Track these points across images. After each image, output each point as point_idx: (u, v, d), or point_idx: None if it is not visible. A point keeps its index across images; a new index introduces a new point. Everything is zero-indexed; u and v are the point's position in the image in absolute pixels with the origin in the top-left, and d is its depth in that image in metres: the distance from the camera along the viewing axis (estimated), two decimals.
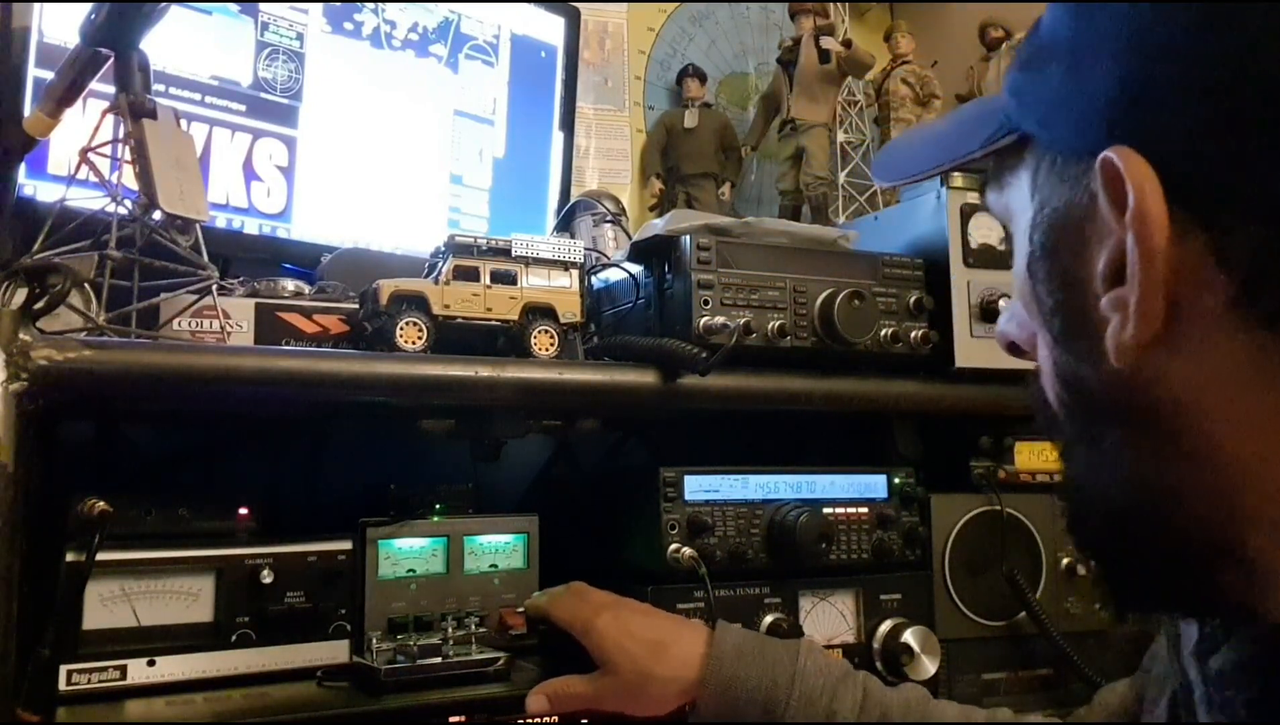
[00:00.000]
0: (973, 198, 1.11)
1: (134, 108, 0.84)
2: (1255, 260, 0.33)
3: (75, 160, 0.87)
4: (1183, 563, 0.40)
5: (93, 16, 0.84)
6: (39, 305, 0.73)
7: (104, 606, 0.83)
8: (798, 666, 0.82)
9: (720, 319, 0.98)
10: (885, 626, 1.05)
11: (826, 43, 1.67)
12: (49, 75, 0.91)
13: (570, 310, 0.98)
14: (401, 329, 0.89)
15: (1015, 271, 0.47)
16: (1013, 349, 0.50)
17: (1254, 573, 0.36)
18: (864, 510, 1.08)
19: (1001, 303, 1.09)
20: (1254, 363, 0.34)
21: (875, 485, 1.10)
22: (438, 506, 1.01)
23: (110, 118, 0.86)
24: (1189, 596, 0.41)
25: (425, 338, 0.90)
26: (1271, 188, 0.33)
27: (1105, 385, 0.40)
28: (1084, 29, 0.40)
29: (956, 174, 1.11)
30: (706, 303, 0.99)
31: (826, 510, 1.04)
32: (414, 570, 0.98)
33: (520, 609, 1.01)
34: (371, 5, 1.27)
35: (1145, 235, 0.36)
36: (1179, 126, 0.35)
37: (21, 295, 0.74)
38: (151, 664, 0.84)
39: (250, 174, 1.17)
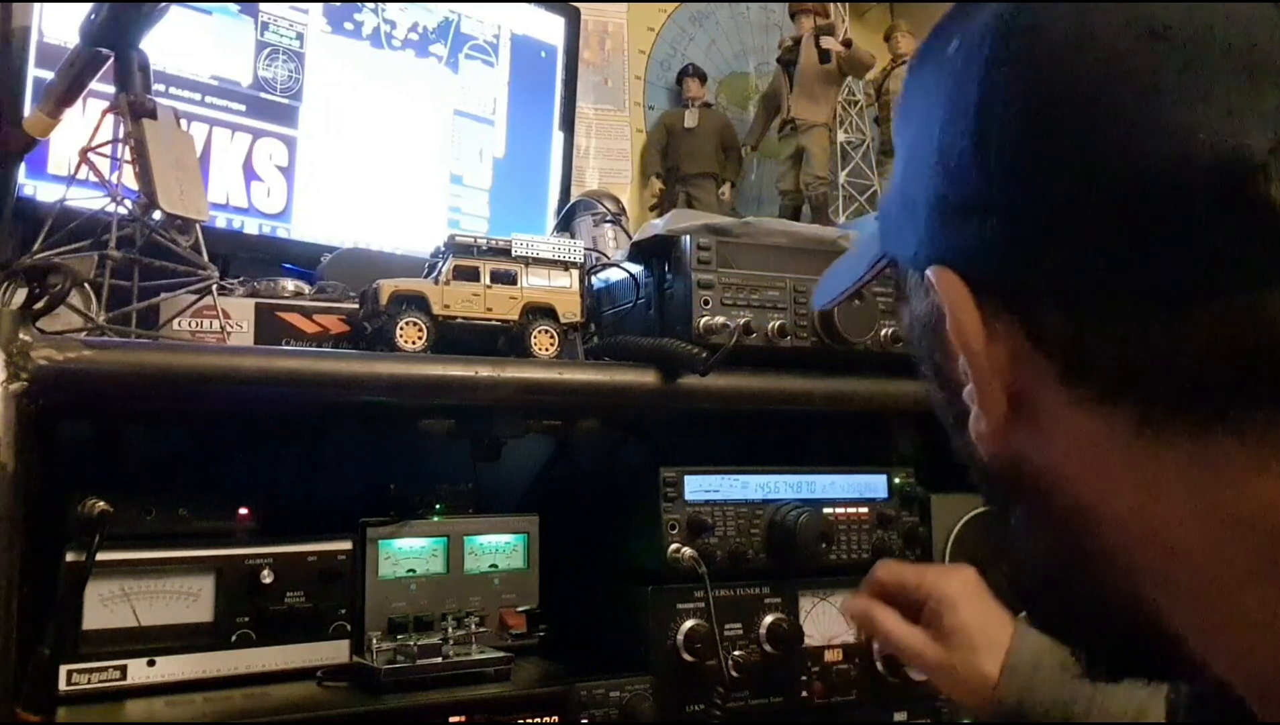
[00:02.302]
0: None
1: (134, 108, 0.84)
2: (1068, 343, 0.37)
3: (75, 160, 0.87)
4: (1113, 629, 0.41)
5: (93, 16, 0.84)
6: (39, 305, 0.72)
7: (104, 606, 0.83)
8: (1098, 684, 0.75)
9: (720, 319, 0.98)
10: None
11: (826, 42, 1.67)
12: (49, 75, 0.91)
13: (570, 310, 0.98)
14: (401, 329, 0.89)
15: None
16: None
17: (1165, 627, 0.38)
18: (864, 510, 1.08)
19: None
20: (1100, 435, 0.37)
21: (875, 485, 1.10)
22: (438, 506, 1.01)
23: (110, 118, 0.86)
24: (1136, 661, 0.43)
25: (425, 338, 0.90)
26: (1061, 282, 0.36)
27: (991, 469, 0.43)
28: (909, 154, 0.44)
29: None
30: (706, 303, 0.99)
31: (826, 510, 1.04)
32: (414, 570, 0.98)
33: (521, 609, 1.01)
34: (371, 5, 1.27)
35: (964, 342, 0.39)
36: (975, 241, 0.38)
37: (21, 295, 0.74)
38: (151, 664, 0.84)
39: (250, 174, 1.17)
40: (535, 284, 0.97)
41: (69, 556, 0.80)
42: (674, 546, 0.97)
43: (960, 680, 0.83)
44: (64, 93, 0.89)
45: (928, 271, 0.41)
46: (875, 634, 0.89)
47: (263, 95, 1.18)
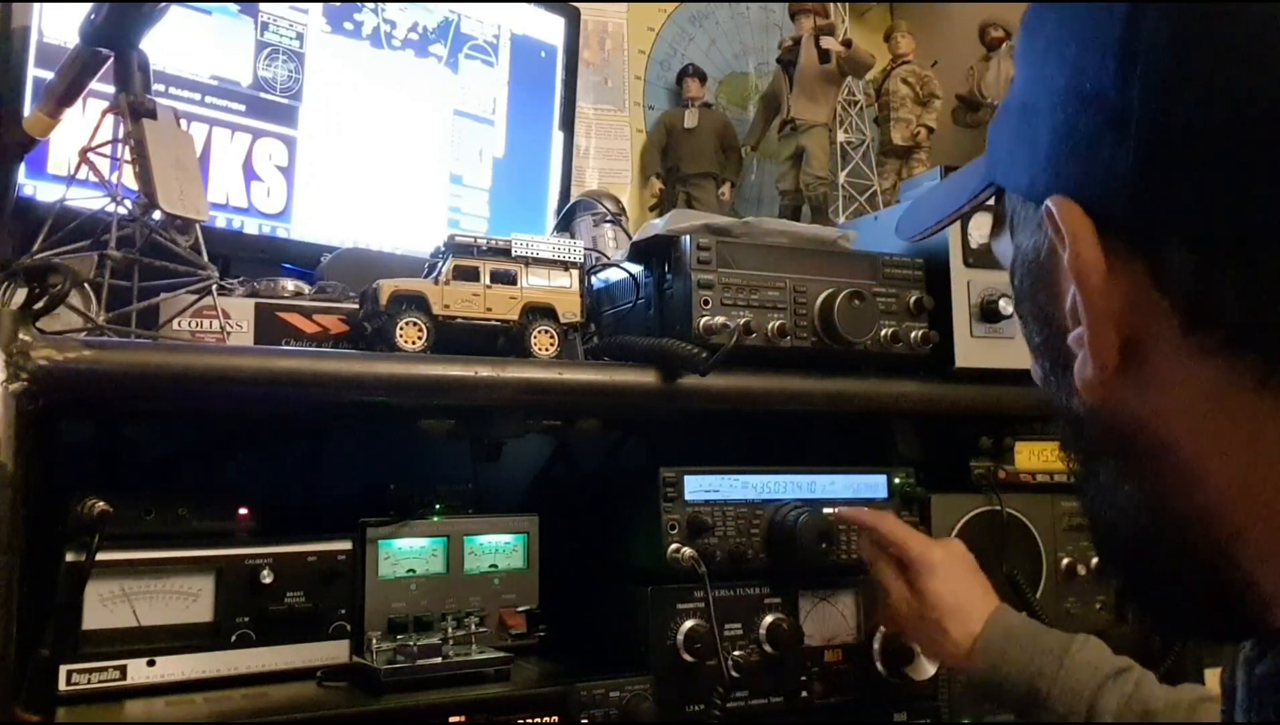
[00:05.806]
0: None
1: (134, 108, 0.84)
2: (1194, 285, 0.35)
3: (75, 160, 0.87)
4: (1196, 589, 0.40)
5: (93, 16, 0.84)
6: (39, 305, 0.72)
7: (104, 606, 0.83)
8: (1065, 661, 0.83)
9: (720, 319, 0.98)
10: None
11: (826, 43, 1.67)
12: (49, 75, 0.91)
13: (570, 310, 0.97)
14: (401, 329, 0.89)
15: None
16: None
17: (1254, 592, 0.37)
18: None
19: (1001, 303, 1.09)
20: (1217, 388, 0.35)
21: (875, 485, 1.10)
22: (438, 506, 1.01)
23: (110, 118, 0.86)
24: (1213, 621, 0.42)
25: (425, 338, 0.90)
26: (1195, 217, 0.34)
27: (1089, 420, 0.41)
28: (1032, 80, 0.41)
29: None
30: (706, 303, 0.99)
31: (826, 510, 1.04)
32: (414, 570, 0.98)
33: (521, 609, 1.01)
34: (371, 5, 1.27)
35: (1083, 277, 0.37)
36: (1106, 170, 0.36)
37: (21, 295, 0.74)
38: (151, 664, 0.84)
39: (250, 174, 1.17)
40: (535, 284, 0.97)
41: (69, 556, 0.80)
42: (674, 546, 0.97)
43: (927, 638, 0.95)
44: (64, 93, 0.89)
45: (1046, 202, 0.38)
46: (874, 575, 0.99)
47: (263, 95, 1.18)
